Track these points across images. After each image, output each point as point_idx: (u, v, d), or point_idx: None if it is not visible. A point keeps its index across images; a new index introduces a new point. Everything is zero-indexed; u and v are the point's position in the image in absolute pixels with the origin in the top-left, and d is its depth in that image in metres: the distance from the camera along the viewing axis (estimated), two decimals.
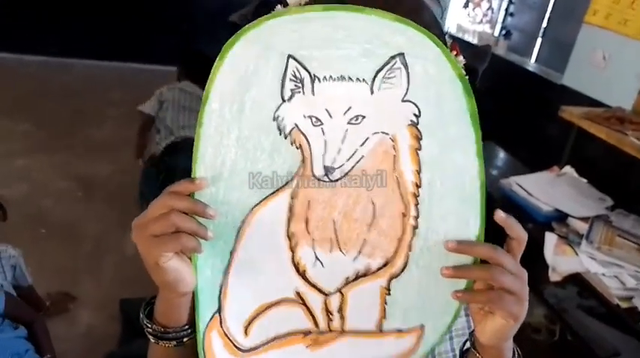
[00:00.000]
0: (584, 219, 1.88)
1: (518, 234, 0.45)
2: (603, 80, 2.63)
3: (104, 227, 2.56)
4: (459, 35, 4.14)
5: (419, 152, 0.45)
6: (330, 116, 0.44)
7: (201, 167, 0.46)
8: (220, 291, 0.50)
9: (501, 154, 2.64)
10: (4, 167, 2.53)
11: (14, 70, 4.44)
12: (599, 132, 1.99)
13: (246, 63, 0.44)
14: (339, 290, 0.50)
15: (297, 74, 0.44)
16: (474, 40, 3.96)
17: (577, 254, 1.75)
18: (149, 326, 0.52)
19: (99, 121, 3.74)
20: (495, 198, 2.09)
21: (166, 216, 0.44)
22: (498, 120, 2.40)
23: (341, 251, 0.48)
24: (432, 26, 0.49)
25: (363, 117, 0.44)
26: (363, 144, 0.45)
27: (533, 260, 1.80)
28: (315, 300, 0.50)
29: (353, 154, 0.45)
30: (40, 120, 3.54)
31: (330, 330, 0.51)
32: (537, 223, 1.94)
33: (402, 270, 0.49)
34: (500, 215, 0.44)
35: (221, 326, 0.51)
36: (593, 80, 2.70)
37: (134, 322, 1.83)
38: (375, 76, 0.44)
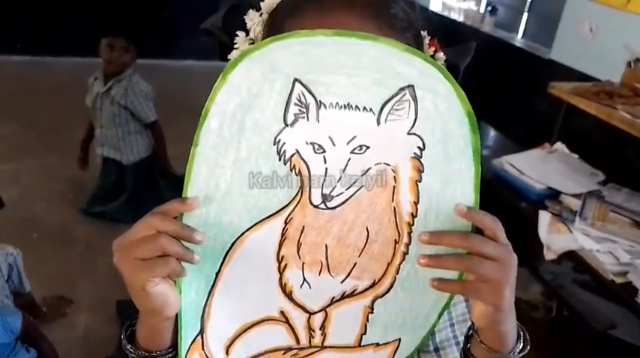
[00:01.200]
0: (576, 196, 1.89)
1: (484, 224, 0.44)
2: (591, 53, 2.61)
3: (97, 228, 2.55)
4: (445, 13, 4.09)
5: (419, 184, 0.45)
6: (334, 144, 0.43)
7: (194, 187, 0.44)
8: (204, 312, 0.49)
9: (491, 133, 2.64)
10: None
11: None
12: (588, 107, 1.98)
13: (250, 84, 0.42)
14: (324, 309, 0.50)
15: (303, 99, 0.42)
16: (460, 18, 3.93)
17: (571, 231, 1.75)
18: (132, 351, 0.50)
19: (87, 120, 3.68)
20: (487, 178, 2.09)
21: (153, 238, 0.42)
22: (487, 98, 2.39)
23: (330, 274, 0.48)
24: (399, 22, 0.49)
25: (367, 147, 0.43)
26: (364, 174, 0.44)
27: (528, 239, 1.80)
28: (298, 318, 0.50)
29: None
30: (26, 122, 3.49)
31: (311, 346, 0.52)
32: (530, 202, 1.95)
33: (387, 291, 0.49)
34: (461, 209, 0.44)
35: (203, 349, 0.50)
36: (581, 53, 2.68)
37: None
38: (382, 107, 0.42)
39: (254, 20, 0.52)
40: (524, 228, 1.80)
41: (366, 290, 0.49)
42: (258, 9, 0.52)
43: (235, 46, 0.52)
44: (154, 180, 2.73)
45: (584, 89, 2.10)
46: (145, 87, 2.64)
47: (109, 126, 2.59)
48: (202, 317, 0.49)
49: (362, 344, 0.52)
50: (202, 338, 0.50)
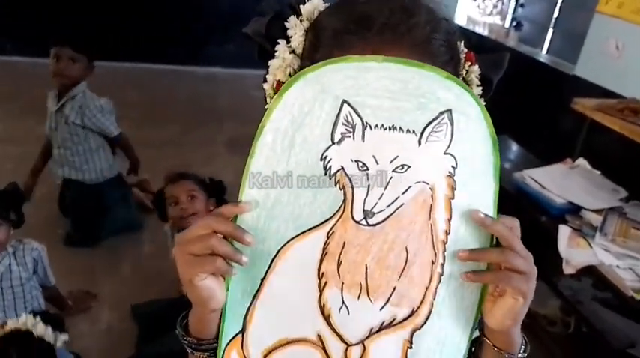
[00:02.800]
0: (597, 212, 1.88)
1: (499, 234, 0.48)
2: (617, 70, 2.61)
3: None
4: (469, 27, 4.11)
5: (452, 201, 0.48)
6: (377, 162, 0.46)
7: (247, 194, 0.48)
8: (247, 314, 0.51)
9: (514, 147, 2.64)
10: (25, 170, 2.59)
11: (31, 74, 4.51)
12: (612, 123, 1.98)
13: (301, 103, 0.46)
14: (362, 342, 0.50)
15: (350, 119, 0.46)
16: (485, 32, 3.94)
17: (591, 246, 1.75)
18: (184, 338, 0.55)
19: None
20: (508, 191, 2.09)
21: (206, 238, 0.47)
22: (510, 112, 2.40)
23: (369, 298, 0.48)
24: (441, 54, 0.50)
25: (409, 166, 0.46)
26: (405, 192, 0.47)
27: (548, 253, 1.80)
28: (335, 348, 0.51)
29: (394, 201, 0.47)
30: None
31: None
32: (551, 216, 1.95)
33: (426, 321, 0.50)
34: (476, 215, 0.48)
35: (242, 347, 0.53)
36: (606, 70, 2.68)
37: (148, 324, 1.87)
38: (424, 129, 0.46)
39: (295, 29, 0.54)
40: (544, 242, 1.80)
41: (404, 319, 0.49)
42: (299, 14, 0.54)
43: (276, 54, 0.54)
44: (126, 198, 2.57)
45: (608, 105, 2.10)
46: (100, 101, 2.44)
47: (66, 145, 2.39)
48: (245, 317, 0.52)
49: None
50: (242, 337, 0.52)
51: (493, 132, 0.47)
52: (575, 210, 1.93)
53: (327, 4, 0.55)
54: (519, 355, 0.53)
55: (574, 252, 1.75)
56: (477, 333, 0.54)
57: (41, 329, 1.38)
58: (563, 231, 1.84)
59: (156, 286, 2.07)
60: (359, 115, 0.46)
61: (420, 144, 0.46)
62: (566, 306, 2.16)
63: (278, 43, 0.54)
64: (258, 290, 0.50)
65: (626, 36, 2.57)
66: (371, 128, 0.46)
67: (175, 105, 4.25)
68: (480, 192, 0.48)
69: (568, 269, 1.74)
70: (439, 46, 0.51)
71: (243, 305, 0.51)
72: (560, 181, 2.07)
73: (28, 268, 1.75)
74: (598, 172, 2.18)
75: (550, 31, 3.43)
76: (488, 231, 0.48)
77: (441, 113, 0.46)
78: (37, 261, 1.78)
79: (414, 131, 0.46)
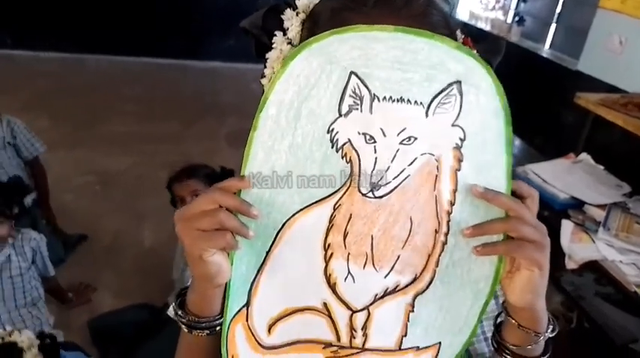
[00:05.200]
0: (601, 206, 1.87)
1: (504, 206, 0.47)
2: (620, 65, 2.59)
3: (123, 220, 2.61)
4: (472, 22, 4.09)
5: (458, 173, 0.47)
6: (384, 135, 0.46)
7: (251, 168, 0.47)
8: (251, 287, 0.51)
9: (517, 142, 2.63)
10: None
11: (31, 67, 4.51)
12: (616, 118, 1.97)
13: (307, 74, 0.45)
14: (367, 308, 0.51)
15: (358, 91, 0.45)
16: (487, 27, 3.92)
17: (594, 241, 1.74)
18: (182, 316, 0.53)
19: (116, 116, 3.79)
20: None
21: (214, 212, 0.46)
22: (513, 107, 2.38)
23: (374, 267, 0.49)
24: (441, 27, 0.51)
25: (415, 138, 0.46)
26: (411, 164, 0.46)
27: (550, 248, 1.79)
28: (341, 314, 0.51)
29: (400, 173, 0.46)
30: (58, 116, 3.60)
31: (352, 347, 0.52)
32: (553, 211, 1.93)
33: (428, 286, 0.50)
34: (477, 190, 0.46)
35: (247, 320, 0.52)
36: (609, 65, 2.66)
37: (109, 334, 1.80)
38: (432, 101, 0.45)
39: (291, 20, 0.54)
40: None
41: (407, 286, 0.50)
42: (295, 8, 0.54)
43: (273, 46, 0.54)
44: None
45: (611, 100, 2.09)
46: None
47: None
48: (250, 291, 0.51)
49: (402, 347, 0.52)
50: (247, 310, 0.52)
51: (506, 104, 0.46)
52: (578, 204, 1.92)
53: None
54: (547, 334, 0.52)
55: (577, 247, 1.74)
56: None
57: (31, 355, 1.29)
58: (566, 226, 1.83)
59: (156, 280, 2.07)
60: (367, 87, 0.45)
61: (427, 115, 0.45)
62: (568, 302, 2.16)
63: (275, 35, 0.54)
64: (263, 263, 0.50)
65: (629, 31, 2.55)
66: (379, 100, 0.45)
67: (176, 100, 4.24)
68: (491, 164, 0.47)
69: (571, 265, 1.73)
70: (437, 20, 0.51)
71: (247, 279, 0.51)
72: (563, 176, 2.05)
73: (27, 258, 1.74)
74: (601, 167, 2.17)
75: (553, 26, 3.42)
76: (493, 204, 0.47)
77: (450, 84, 0.45)
78: (35, 250, 1.77)
79: (421, 103, 0.45)
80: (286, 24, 0.54)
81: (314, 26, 0.52)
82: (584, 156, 2.23)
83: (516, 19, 3.72)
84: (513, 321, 0.51)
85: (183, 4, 4.96)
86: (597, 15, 2.77)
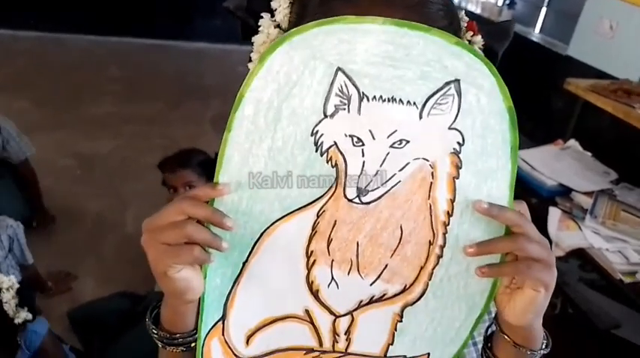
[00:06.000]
0: (588, 194, 1.87)
1: (510, 222, 0.43)
2: (610, 51, 2.57)
3: (105, 204, 2.56)
4: (462, 5, 4.04)
5: (456, 180, 0.43)
6: (373, 138, 0.42)
7: (225, 174, 0.43)
8: (227, 300, 0.48)
9: None
10: None
11: (8, 47, 4.37)
12: (605, 105, 1.95)
13: (288, 70, 0.41)
14: (350, 313, 0.48)
15: (345, 90, 0.41)
16: (478, 10, 3.88)
17: (581, 229, 1.74)
18: (155, 332, 0.50)
19: (98, 97, 3.70)
20: None
21: (181, 225, 0.42)
22: None
23: (359, 274, 0.46)
24: (439, 18, 0.46)
25: (408, 141, 0.42)
26: (402, 169, 0.43)
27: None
28: (323, 320, 0.49)
29: (390, 178, 0.43)
30: (38, 98, 3.50)
31: (334, 351, 0.50)
32: (541, 198, 1.93)
33: (419, 298, 0.47)
34: (480, 206, 0.43)
35: (223, 335, 0.49)
36: (599, 51, 2.64)
37: (91, 324, 1.76)
38: (426, 101, 0.41)
39: (279, 1, 0.50)
40: (534, 224, 1.78)
41: (395, 295, 0.47)
42: None
43: (259, 29, 0.50)
44: None
45: (601, 86, 2.07)
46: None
47: None
48: (225, 304, 0.48)
49: (388, 355, 0.50)
50: (223, 323, 0.49)
51: (511, 106, 0.42)
52: (565, 192, 1.91)
53: None
54: (541, 351, 0.49)
55: (564, 234, 1.74)
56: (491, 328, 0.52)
57: (7, 296, 1.31)
58: (554, 213, 1.82)
59: (140, 268, 2.03)
60: (355, 85, 0.41)
61: (421, 117, 0.41)
62: None
63: (261, 17, 0.50)
64: (240, 274, 0.47)
65: (620, 15, 2.53)
66: (368, 100, 0.41)
67: (161, 81, 4.15)
68: (493, 172, 0.43)
69: (557, 252, 1.73)
70: (436, 9, 0.46)
71: (223, 292, 0.47)
72: (551, 163, 2.04)
73: (4, 246, 1.69)
74: (589, 154, 2.16)
75: (543, 10, 3.38)
76: (498, 221, 0.44)
77: (447, 83, 0.41)
78: (12, 238, 1.72)
79: (415, 103, 0.41)
80: (274, 4, 0.50)
81: (302, 11, 0.48)
82: (572, 142, 2.22)
83: (507, 1, 3.68)
84: (508, 339, 0.48)
85: None
86: None
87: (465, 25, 0.51)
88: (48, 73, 3.97)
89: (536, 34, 3.40)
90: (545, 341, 0.50)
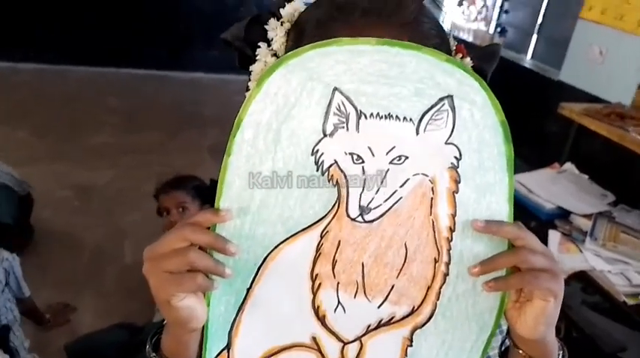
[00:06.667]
0: (587, 216, 1.87)
1: (510, 235, 0.44)
2: (601, 75, 2.63)
3: (103, 235, 2.55)
4: (455, 33, 4.13)
5: (456, 195, 0.44)
6: (373, 154, 0.43)
7: (227, 199, 0.43)
8: (232, 328, 0.47)
9: None
10: None
11: (8, 79, 4.41)
12: (600, 129, 1.99)
13: (286, 92, 0.42)
14: (359, 339, 0.48)
15: (343, 109, 0.42)
16: (469, 38, 3.96)
17: (581, 251, 1.74)
18: None
19: (97, 128, 3.72)
20: None
21: (183, 252, 0.41)
22: None
23: (366, 296, 0.46)
24: (432, 36, 0.48)
25: (406, 157, 0.43)
26: (402, 185, 0.43)
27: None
28: (331, 347, 0.48)
29: (391, 195, 0.43)
30: (37, 129, 3.52)
31: None
32: (540, 221, 1.93)
33: (428, 320, 0.47)
34: (478, 224, 0.44)
35: None
36: (590, 76, 2.70)
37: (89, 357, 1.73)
38: (422, 117, 0.42)
39: (276, 31, 0.51)
40: None
41: (404, 318, 0.46)
42: (279, 17, 0.52)
43: (257, 57, 0.51)
44: None
45: (595, 110, 2.11)
46: None
47: None
48: (230, 332, 0.47)
49: None
50: (228, 353, 0.48)
51: (504, 120, 0.43)
52: (564, 214, 1.92)
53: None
54: None
55: (565, 257, 1.74)
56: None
57: None
58: (553, 237, 1.82)
59: (139, 298, 2.01)
60: (352, 104, 0.42)
61: (417, 133, 0.42)
62: None
63: (259, 47, 0.51)
64: (244, 300, 0.46)
65: (609, 41, 2.59)
66: (366, 117, 0.42)
67: (159, 111, 4.18)
68: (491, 185, 0.44)
69: None
70: (428, 28, 0.48)
71: (227, 320, 0.47)
72: (548, 186, 2.06)
73: (0, 280, 1.67)
74: (586, 177, 2.18)
75: (534, 37, 3.46)
76: (498, 236, 0.44)
77: (441, 99, 0.42)
78: (8, 271, 1.69)
79: (411, 119, 0.42)
80: (270, 34, 0.51)
81: (300, 37, 0.49)
82: (568, 165, 2.25)
83: (498, 29, 3.76)
84: (523, 354, 0.48)
85: (165, 14, 4.91)
86: (578, 25, 2.81)
87: (454, 48, 0.53)
88: (47, 104, 4.00)
89: (528, 60, 3.47)
90: (560, 352, 0.50)
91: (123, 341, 1.76)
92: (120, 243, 2.48)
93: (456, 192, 0.44)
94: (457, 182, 0.44)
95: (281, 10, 0.52)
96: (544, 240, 1.82)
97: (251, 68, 0.52)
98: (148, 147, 3.52)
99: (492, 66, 0.55)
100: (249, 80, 0.52)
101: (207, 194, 1.84)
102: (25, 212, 2.41)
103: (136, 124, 3.87)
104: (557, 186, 2.09)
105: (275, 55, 0.51)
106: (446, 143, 0.43)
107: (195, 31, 4.88)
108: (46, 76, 4.57)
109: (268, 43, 0.51)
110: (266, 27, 0.51)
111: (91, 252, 2.41)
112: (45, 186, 2.80)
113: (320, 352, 0.48)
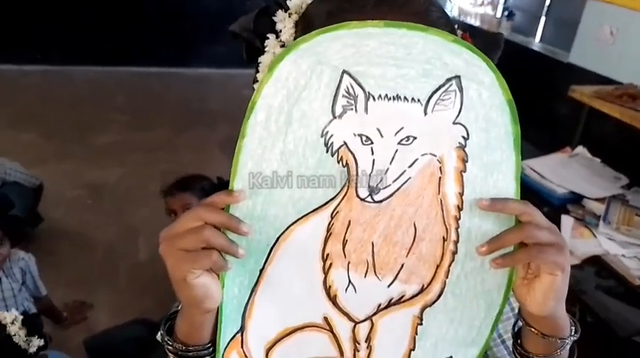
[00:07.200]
0: (600, 200, 1.85)
1: (516, 211, 0.44)
2: (612, 56, 2.58)
3: (116, 233, 2.57)
4: (461, 19, 4.08)
5: (463, 174, 0.44)
6: (381, 135, 0.43)
7: (240, 180, 0.44)
8: (245, 310, 0.48)
9: None
10: None
11: (16, 82, 4.44)
12: (611, 111, 1.95)
13: (297, 76, 0.43)
14: (370, 318, 0.48)
15: (351, 91, 0.43)
16: (477, 23, 3.91)
17: (595, 236, 1.72)
18: (170, 343, 0.50)
19: (104, 127, 3.74)
20: None
21: (199, 230, 0.42)
22: None
23: (376, 275, 0.46)
24: (441, 24, 0.49)
25: (415, 138, 0.43)
26: (411, 165, 0.44)
27: None
28: (343, 327, 0.48)
29: (400, 175, 0.44)
30: (46, 130, 3.55)
31: None
32: (553, 206, 1.91)
33: (437, 298, 0.47)
34: (483, 203, 0.44)
35: (242, 347, 0.49)
36: (601, 57, 2.65)
37: (108, 353, 1.76)
38: (430, 97, 0.43)
39: (284, 22, 0.52)
40: None
41: (414, 296, 0.47)
42: (287, 9, 0.52)
43: (266, 49, 0.52)
44: None
45: (606, 92, 2.07)
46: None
47: None
48: (244, 314, 0.48)
49: None
50: (242, 336, 0.49)
51: (511, 99, 0.44)
52: (577, 199, 1.90)
53: None
54: (571, 338, 0.49)
55: (578, 242, 1.72)
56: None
57: (15, 329, 1.31)
58: (567, 221, 1.80)
59: (152, 294, 2.03)
60: (361, 86, 0.42)
61: (425, 113, 0.43)
62: (570, 296, 2.14)
63: (267, 38, 0.51)
64: (257, 282, 0.47)
65: (620, 21, 2.54)
66: (374, 99, 0.43)
67: (166, 108, 4.20)
68: (498, 164, 0.45)
69: (573, 260, 1.71)
70: (437, 17, 0.49)
71: (241, 302, 0.48)
72: (560, 170, 2.04)
73: (17, 279, 1.70)
74: (598, 160, 2.15)
75: (542, 20, 3.40)
76: (504, 213, 0.45)
77: (448, 80, 0.42)
78: (24, 271, 1.72)
79: (419, 100, 0.43)
80: (278, 26, 0.52)
81: (308, 28, 0.49)
82: (580, 149, 2.21)
83: (506, 13, 3.71)
84: (536, 331, 0.48)
85: (171, 12, 4.91)
86: (587, 6, 2.76)
87: (460, 37, 0.53)
88: (55, 105, 4.03)
89: (536, 43, 3.42)
90: (573, 328, 0.49)
91: (140, 337, 1.78)
92: (132, 240, 2.51)
93: (464, 171, 0.44)
94: (465, 161, 0.44)
95: (288, 2, 0.52)
96: (557, 225, 1.80)
97: (260, 59, 0.52)
98: (156, 144, 3.54)
99: (496, 54, 0.55)
100: (257, 72, 0.52)
101: (217, 191, 1.83)
102: (35, 202, 2.49)
103: (143, 122, 3.89)
104: (569, 170, 2.06)
105: (283, 46, 0.51)
106: (454, 123, 0.43)
107: (201, 27, 4.88)
108: (53, 77, 4.60)
109: (277, 34, 0.52)
110: (274, 19, 0.52)
111: (104, 250, 2.43)
112: (56, 186, 2.83)
113: (332, 332, 0.49)
